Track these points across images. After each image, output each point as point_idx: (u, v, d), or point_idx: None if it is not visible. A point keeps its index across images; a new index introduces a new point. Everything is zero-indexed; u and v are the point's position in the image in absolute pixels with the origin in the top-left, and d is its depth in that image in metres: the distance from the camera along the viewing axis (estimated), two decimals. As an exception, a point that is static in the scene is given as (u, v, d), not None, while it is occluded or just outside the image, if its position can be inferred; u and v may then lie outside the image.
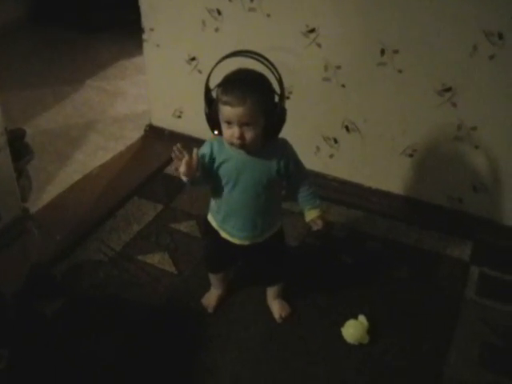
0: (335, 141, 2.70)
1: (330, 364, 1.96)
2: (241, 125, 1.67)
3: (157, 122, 3.20)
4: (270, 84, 1.72)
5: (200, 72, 2.84)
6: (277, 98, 1.74)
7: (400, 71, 2.38)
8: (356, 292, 2.23)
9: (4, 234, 2.42)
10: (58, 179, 2.87)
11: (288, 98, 2.65)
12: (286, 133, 2.65)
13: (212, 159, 1.80)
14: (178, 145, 1.70)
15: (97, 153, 3.08)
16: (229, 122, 1.68)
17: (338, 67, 2.50)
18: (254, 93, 1.65)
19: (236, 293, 2.21)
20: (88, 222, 2.55)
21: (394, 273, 2.32)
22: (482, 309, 2.17)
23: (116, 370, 1.94)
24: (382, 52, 2.37)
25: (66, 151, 3.10)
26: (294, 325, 2.10)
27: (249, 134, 1.68)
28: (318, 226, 1.90)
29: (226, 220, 1.91)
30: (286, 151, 1.82)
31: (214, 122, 1.75)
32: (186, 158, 1.69)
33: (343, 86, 2.53)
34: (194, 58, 2.84)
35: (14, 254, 2.39)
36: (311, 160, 2.76)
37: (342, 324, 2.05)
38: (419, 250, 2.44)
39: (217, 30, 2.69)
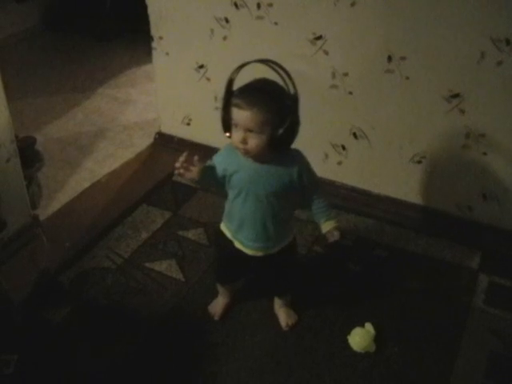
0: (343, 148, 2.69)
1: (335, 372, 1.95)
2: (246, 129, 1.67)
3: (166, 130, 3.21)
4: (284, 97, 1.70)
5: (208, 80, 2.86)
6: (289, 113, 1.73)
7: (407, 78, 2.37)
8: (363, 300, 2.22)
9: (13, 241, 2.43)
10: (68, 187, 2.89)
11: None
12: (294, 140, 2.68)
13: (224, 169, 1.81)
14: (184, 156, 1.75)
15: (106, 160, 3.10)
16: (236, 125, 1.69)
17: (346, 74, 2.50)
18: (264, 101, 1.65)
19: (243, 301, 2.20)
20: (96, 230, 2.57)
21: (402, 281, 2.31)
22: (490, 318, 2.15)
23: (122, 376, 1.95)
24: (389, 59, 2.36)
25: (76, 159, 3.12)
26: (300, 333, 2.09)
27: (252, 141, 1.68)
28: (335, 237, 1.88)
29: (239, 230, 1.90)
30: (299, 162, 1.81)
31: (227, 125, 1.75)
32: (184, 156, 1.74)
33: (351, 93, 2.53)
34: (202, 66, 2.85)
35: (23, 261, 2.40)
36: (319, 167, 2.73)
37: (348, 332, 2.04)
38: (427, 258, 2.42)
39: (225, 38, 2.70)
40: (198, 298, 2.22)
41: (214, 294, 2.18)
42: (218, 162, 1.83)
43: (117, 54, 4.32)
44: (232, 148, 1.79)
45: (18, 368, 1.93)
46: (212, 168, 1.83)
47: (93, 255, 2.42)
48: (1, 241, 2.38)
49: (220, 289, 2.16)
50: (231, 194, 1.86)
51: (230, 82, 1.72)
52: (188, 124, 3.07)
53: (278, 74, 1.70)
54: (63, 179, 2.94)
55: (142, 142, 3.26)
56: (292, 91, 1.71)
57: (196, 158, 1.75)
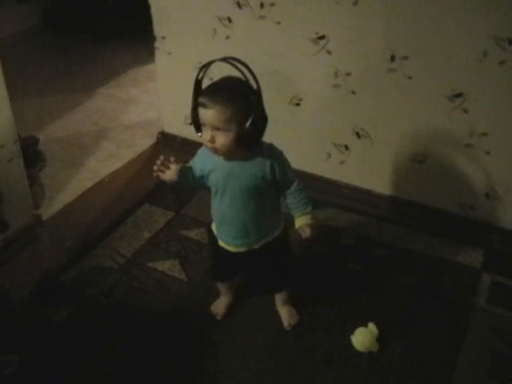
0: (346, 147, 2.69)
1: (338, 372, 1.95)
2: (212, 128, 1.67)
3: (169, 129, 3.21)
4: (248, 94, 1.69)
5: (211, 79, 2.83)
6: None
7: (410, 77, 2.37)
8: (364, 300, 2.22)
9: (15, 241, 2.44)
10: (70, 186, 2.89)
11: (298, 104, 2.67)
12: (296, 139, 2.69)
13: (201, 169, 1.83)
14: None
15: (108, 160, 3.10)
16: (203, 125, 1.70)
17: (348, 74, 2.49)
18: (227, 97, 1.65)
19: (244, 300, 2.21)
20: (98, 229, 2.57)
21: (404, 280, 2.31)
22: (492, 317, 2.14)
23: (123, 376, 1.95)
24: (392, 58, 2.36)
25: (78, 158, 3.12)
26: (301, 332, 2.09)
27: (219, 139, 1.68)
28: (305, 233, 1.85)
29: (220, 228, 1.93)
30: (271, 156, 1.78)
31: (197, 124, 1.75)
32: (160, 159, 1.76)
33: (353, 92, 2.52)
34: (203, 66, 2.83)
35: (25, 261, 2.41)
36: (322, 166, 2.78)
37: (350, 332, 2.04)
38: (430, 258, 2.42)
39: (227, 37, 2.70)
40: (201, 297, 2.22)
41: (217, 294, 2.18)
42: (195, 163, 1.85)
43: (118, 54, 4.32)
44: (207, 149, 1.79)
45: (19, 368, 1.94)
46: (191, 168, 1.85)
47: (95, 255, 2.43)
48: (3, 240, 2.38)
49: (221, 288, 2.17)
50: (211, 193, 1.88)
51: (197, 83, 1.73)
52: (191, 124, 3.05)
53: (239, 70, 1.70)
54: (65, 179, 2.94)
55: (145, 141, 3.26)
56: (255, 87, 1.71)
57: (172, 158, 1.78)
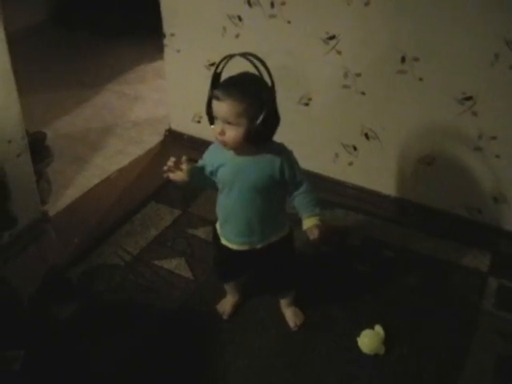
0: (354, 148, 2.68)
1: (344, 374, 1.94)
2: (224, 121, 1.68)
3: (176, 127, 3.21)
4: (263, 90, 1.70)
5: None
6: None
7: (420, 79, 2.36)
8: (371, 301, 2.21)
9: (22, 237, 2.44)
10: (77, 183, 2.89)
11: (307, 104, 2.66)
12: (305, 139, 2.68)
13: (211, 164, 1.83)
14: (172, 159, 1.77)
15: (116, 157, 3.10)
16: (216, 117, 1.71)
17: (358, 74, 2.49)
18: (241, 92, 1.66)
19: (251, 300, 2.20)
20: (105, 226, 2.57)
21: (410, 282, 2.30)
22: (499, 321, 2.14)
23: (129, 373, 1.95)
24: (403, 60, 2.35)
25: (85, 155, 3.12)
26: (307, 333, 2.09)
27: (229, 133, 1.68)
28: (314, 235, 1.83)
29: (224, 225, 1.92)
30: (281, 156, 1.78)
31: (211, 117, 1.76)
32: (171, 159, 1.75)
33: (363, 93, 2.52)
34: (213, 64, 2.82)
35: (32, 257, 2.41)
36: (330, 167, 2.77)
37: (357, 333, 2.03)
38: (436, 260, 2.41)
39: (237, 36, 2.69)
40: (207, 296, 2.22)
41: (223, 293, 2.18)
42: (207, 158, 1.85)
43: (126, 51, 4.32)
44: (218, 144, 1.80)
45: (25, 364, 1.93)
46: (201, 167, 1.84)
47: (101, 252, 2.43)
48: (10, 236, 2.38)
49: (227, 288, 2.16)
50: (219, 188, 1.88)
51: (215, 76, 1.73)
52: (198, 122, 3.06)
53: (255, 67, 1.71)
54: (72, 175, 2.95)
55: (152, 138, 3.25)
56: (270, 84, 1.71)
57: (184, 157, 1.77)
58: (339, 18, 2.41)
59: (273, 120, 1.73)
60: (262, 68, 1.71)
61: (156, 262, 2.37)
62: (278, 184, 1.81)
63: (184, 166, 1.76)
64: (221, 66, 1.73)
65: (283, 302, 2.14)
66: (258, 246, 1.91)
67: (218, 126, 1.70)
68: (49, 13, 4.75)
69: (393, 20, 2.31)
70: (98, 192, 2.83)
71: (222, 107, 1.66)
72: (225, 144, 1.73)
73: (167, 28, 2.90)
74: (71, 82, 3.88)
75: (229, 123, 1.68)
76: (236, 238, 1.90)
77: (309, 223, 1.85)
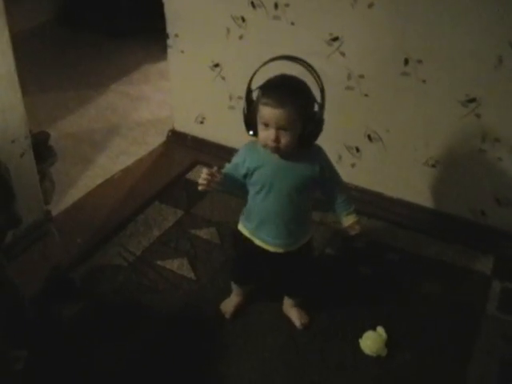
0: (357, 150, 2.68)
1: (346, 376, 1.94)
2: (278, 128, 1.68)
3: (180, 128, 3.21)
4: (310, 92, 1.74)
5: (223, 78, 2.85)
6: (316, 107, 1.77)
7: (424, 81, 2.36)
8: (375, 304, 2.21)
9: (25, 236, 2.44)
10: (80, 182, 2.89)
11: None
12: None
13: (247, 167, 1.82)
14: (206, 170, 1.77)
15: (119, 157, 3.10)
16: (266, 124, 1.70)
17: (362, 76, 2.49)
18: (295, 97, 1.67)
19: (254, 301, 2.20)
20: (108, 226, 2.57)
21: (414, 285, 2.30)
22: (503, 325, 2.13)
23: (131, 374, 1.95)
24: (406, 62, 2.35)
25: (89, 155, 3.12)
26: (310, 335, 2.08)
27: (284, 138, 1.69)
28: (356, 230, 1.92)
29: (260, 227, 1.91)
30: (320, 158, 1.84)
31: (251, 123, 1.77)
32: (206, 171, 1.75)
33: (366, 95, 2.52)
34: (217, 65, 2.84)
35: (35, 256, 2.41)
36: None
37: (359, 335, 2.03)
38: (440, 263, 2.41)
39: (241, 37, 2.69)
40: (210, 297, 2.22)
41: (226, 294, 2.18)
42: (240, 161, 1.85)
43: (130, 51, 4.32)
44: (252, 145, 1.82)
45: (28, 364, 1.93)
46: (231, 174, 1.85)
47: (105, 252, 2.43)
48: (13, 236, 2.38)
49: (235, 288, 2.16)
50: (252, 190, 1.87)
51: (250, 81, 1.75)
52: (202, 123, 3.07)
53: (308, 70, 1.75)
54: (76, 175, 2.95)
55: (155, 139, 3.25)
56: (320, 86, 1.74)
57: (215, 168, 1.78)
58: (343, 19, 2.41)
59: (323, 120, 1.76)
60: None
61: (159, 263, 2.37)
62: (315, 185, 1.85)
63: (219, 179, 1.76)
64: (257, 70, 1.74)
65: (289, 303, 2.14)
66: (293, 248, 1.93)
67: (271, 133, 1.69)
68: (53, 13, 4.74)
69: (396, 22, 2.31)
70: (101, 192, 2.83)
71: (278, 114, 1.66)
72: (277, 150, 1.73)
73: (171, 29, 2.90)
74: (75, 82, 3.88)
75: (284, 129, 1.68)
76: (273, 240, 1.91)
77: (349, 220, 1.92)
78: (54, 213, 2.64)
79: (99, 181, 2.90)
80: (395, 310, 2.18)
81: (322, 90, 1.74)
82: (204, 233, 2.53)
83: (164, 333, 2.09)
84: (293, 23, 2.52)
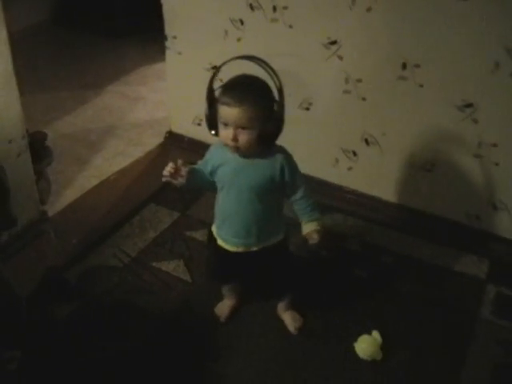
0: (354, 153, 2.69)
1: (340, 379, 1.94)
2: (236, 127, 1.67)
3: (176, 129, 3.21)
4: (270, 91, 1.72)
5: (221, 81, 2.82)
6: (276, 107, 1.74)
7: (421, 86, 2.36)
8: (369, 307, 2.21)
9: (21, 236, 2.43)
10: (76, 183, 2.89)
11: (308, 109, 2.67)
12: (305, 144, 2.68)
13: (212, 164, 1.83)
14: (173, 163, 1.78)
15: (115, 158, 3.10)
16: (225, 124, 1.69)
17: (359, 80, 2.49)
18: (253, 96, 1.66)
19: (249, 303, 2.20)
20: (104, 227, 2.56)
21: (409, 289, 2.30)
22: (496, 329, 2.14)
23: (126, 375, 1.94)
24: (404, 66, 2.36)
25: (85, 155, 3.12)
26: (305, 338, 2.08)
27: (243, 137, 1.68)
28: (314, 240, 1.84)
29: (221, 226, 1.92)
30: (282, 158, 1.79)
31: (212, 122, 1.76)
32: (170, 165, 1.76)
33: (364, 99, 2.52)
34: (215, 67, 2.83)
35: (30, 257, 2.40)
36: (329, 172, 2.77)
37: (354, 339, 2.03)
38: (435, 267, 2.41)
39: (239, 39, 2.69)
40: (205, 299, 2.21)
41: (221, 296, 2.18)
42: (208, 158, 1.86)
43: (128, 52, 4.32)
44: (219, 144, 1.80)
45: (22, 364, 1.93)
46: (199, 169, 1.85)
47: (100, 253, 2.42)
48: (9, 236, 2.38)
49: (224, 291, 2.16)
50: (218, 188, 1.88)
51: (211, 81, 1.76)
52: (199, 124, 3.06)
53: (265, 69, 1.72)
54: (72, 176, 2.94)
55: (152, 140, 3.25)
56: (277, 85, 1.72)
57: (180, 162, 1.78)
58: (341, 23, 2.41)
59: (282, 120, 1.74)
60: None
61: (154, 264, 2.37)
62: (277, 187, 1.81)
63: (184, 172, 1.77)
64: (217, 72, 1.75)
65: (281, 306, 2.14)
66: (254, 249, 1.90)
67: (229, 132, 1.69)
68: (50, 13, 4.74)
69: (394, 26, 2.32)
70: (97, 193, 2.83)
71: (234, 113, 1.65)
72: (237, 149, 1.73)
73: (169, 30, 2.90)
74: (72, 82, 3.88)
75: (242, 128, 1.67)
76: (232, 239, 1.90)
77: (308, 228, 1.85)
78: (50, 213, 2.63)
79: (95, 182, 2.90)
80: (390, 314, 2.18)
81: (280, 90, 1.72)
82: (200, 234, 2.53)
83: (158, 334, 2.09)
84: (291, 26, 2.53)
